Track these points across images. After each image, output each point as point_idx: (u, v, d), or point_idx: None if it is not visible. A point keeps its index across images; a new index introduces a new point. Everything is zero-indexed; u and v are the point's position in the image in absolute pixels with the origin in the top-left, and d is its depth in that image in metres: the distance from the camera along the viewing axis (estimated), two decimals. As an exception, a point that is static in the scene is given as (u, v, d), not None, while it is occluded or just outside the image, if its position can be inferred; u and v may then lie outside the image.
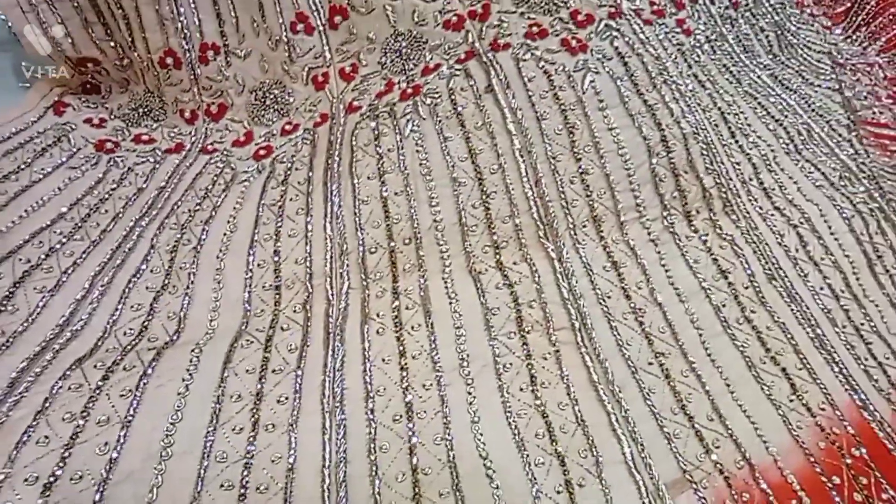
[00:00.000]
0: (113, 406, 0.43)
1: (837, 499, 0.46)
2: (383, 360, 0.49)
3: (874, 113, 0.98)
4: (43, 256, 0.51)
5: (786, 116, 0.74)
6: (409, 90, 0.64)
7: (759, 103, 0.74)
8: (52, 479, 0.39)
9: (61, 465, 0.40)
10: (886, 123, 0.95)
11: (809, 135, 0.75)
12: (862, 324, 0.59)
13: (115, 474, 0.40)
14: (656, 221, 0.62)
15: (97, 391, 0.43)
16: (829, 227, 0.66)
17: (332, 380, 0.47)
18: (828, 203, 0.67)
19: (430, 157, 0.60)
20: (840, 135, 0.77)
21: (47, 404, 0.42)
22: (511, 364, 0.50)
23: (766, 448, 0.49)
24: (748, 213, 0.64)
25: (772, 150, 0.70)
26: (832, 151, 0.74)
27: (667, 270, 0.58)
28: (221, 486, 0.41)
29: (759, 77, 0.77)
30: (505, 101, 0.61)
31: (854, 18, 1.11)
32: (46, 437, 0.41)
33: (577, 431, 0.47)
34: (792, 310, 0.58)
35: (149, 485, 0.40)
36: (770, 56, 0.83)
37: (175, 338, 0.49)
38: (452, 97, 0.62)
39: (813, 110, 0.79)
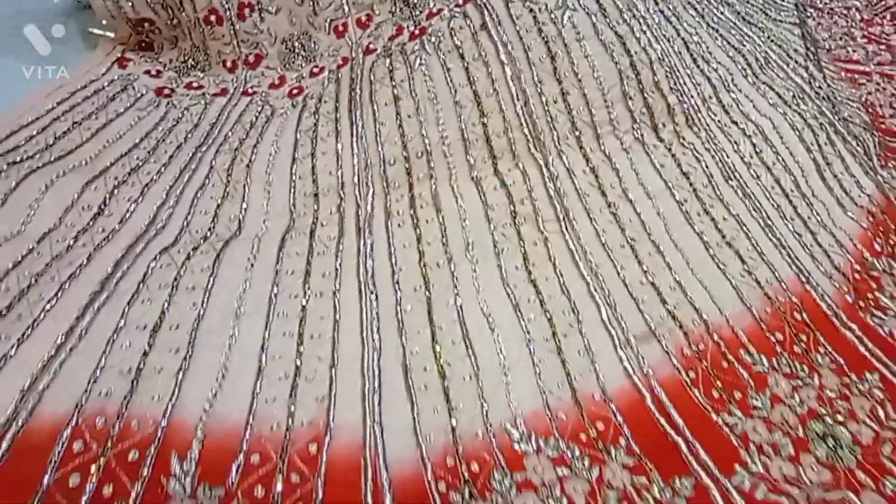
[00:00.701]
0: (196, 277, 0.53)
1: (779, 349, 0.54)
2: (404, 245, 0.59)
3: (848, 51, 1.06)
4: (126, 175, 0.61)
5: (745, 45, 0.80)
6: (417, 31, 0.73)
7: (721, 35, 0.80)
8: (155, 327, 0.49)
9: (162, 317, 0.50)
10: (858, 60, 1.04)
11: (767, 61, 0.81)
12: (809, 217, 0.66)
13: (202, 325, 0.50)
14: (627, 133, 0.70)
15: (182, 268, 0.53)
16: (781, 138, 0.72)
17: (364, 261, 0.57)
18: (780, 118, 0.74)
19: (436, 86, 0.68)
20: (796, 61, 0.83)
21: (145, 278, 0.52)
22: (507, 248, 0.59)
23: (720, 311, 0.56)
24: (708, 125, 0.71)
25: (730, 74, 0.76)
26: (788, 76, 0.80)
27: (637, 173, 0.66)
28: (283, 334, 0.51)
29: (722, 13, 0.84)
30: (497, 37, 0.69)
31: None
32: (149, 299, 0.51)
33: (561, 297, 0.56)
34: (746, 205, 0.65)
35: (228, 334, 0.50)
36: (736, -4, 0.90)
37: (237, 234, 0.59)
38: (453, 35, 0.70)
39: (772, 41, 0.85)
